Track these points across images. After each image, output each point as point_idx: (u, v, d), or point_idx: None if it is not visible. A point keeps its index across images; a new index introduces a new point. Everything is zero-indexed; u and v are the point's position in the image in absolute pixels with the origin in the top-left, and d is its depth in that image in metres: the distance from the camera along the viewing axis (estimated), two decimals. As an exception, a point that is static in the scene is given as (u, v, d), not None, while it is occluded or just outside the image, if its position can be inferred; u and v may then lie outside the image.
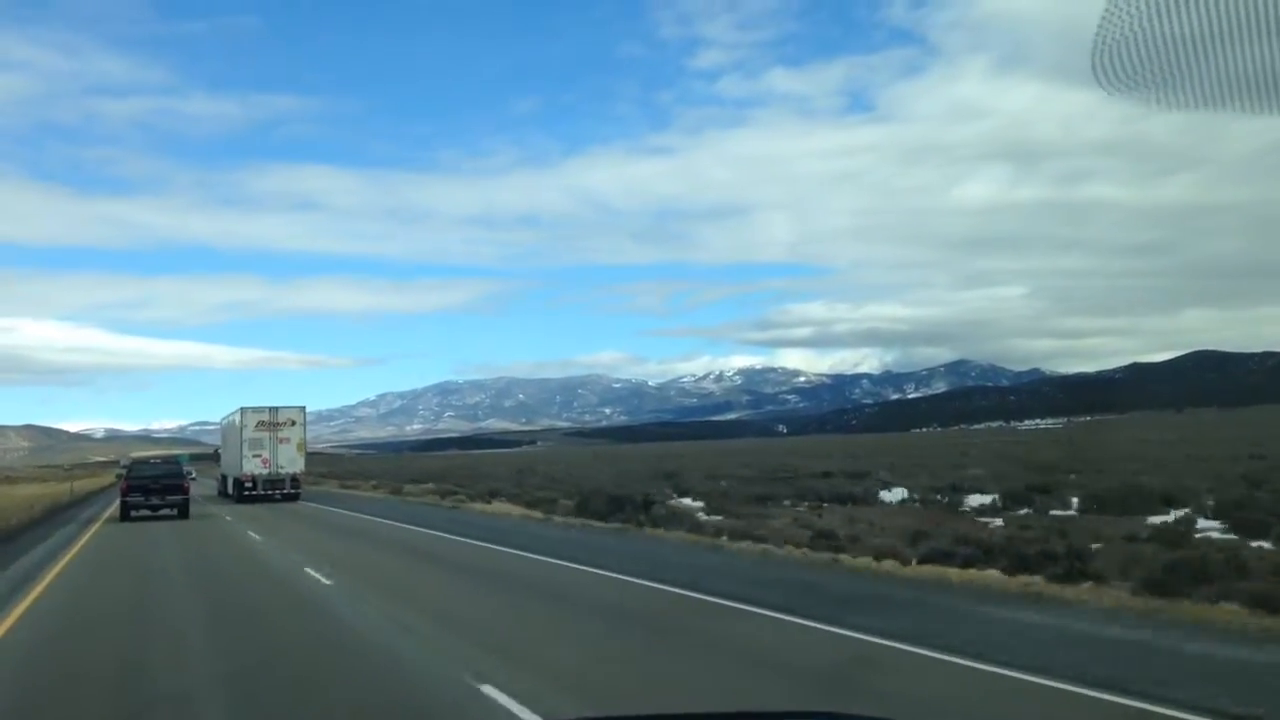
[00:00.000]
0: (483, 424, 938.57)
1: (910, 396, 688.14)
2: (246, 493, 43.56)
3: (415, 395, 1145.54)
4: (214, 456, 68.12)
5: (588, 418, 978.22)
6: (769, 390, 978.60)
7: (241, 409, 45.46)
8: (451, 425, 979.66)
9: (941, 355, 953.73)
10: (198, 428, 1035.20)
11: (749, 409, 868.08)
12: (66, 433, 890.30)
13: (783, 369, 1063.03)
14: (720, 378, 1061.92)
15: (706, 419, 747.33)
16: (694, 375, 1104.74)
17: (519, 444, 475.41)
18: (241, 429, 44.59)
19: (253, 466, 44.06)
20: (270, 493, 44.02)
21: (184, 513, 34.08)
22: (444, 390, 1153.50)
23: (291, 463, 44.98)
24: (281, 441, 44.60)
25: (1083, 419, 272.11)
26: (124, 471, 40.80)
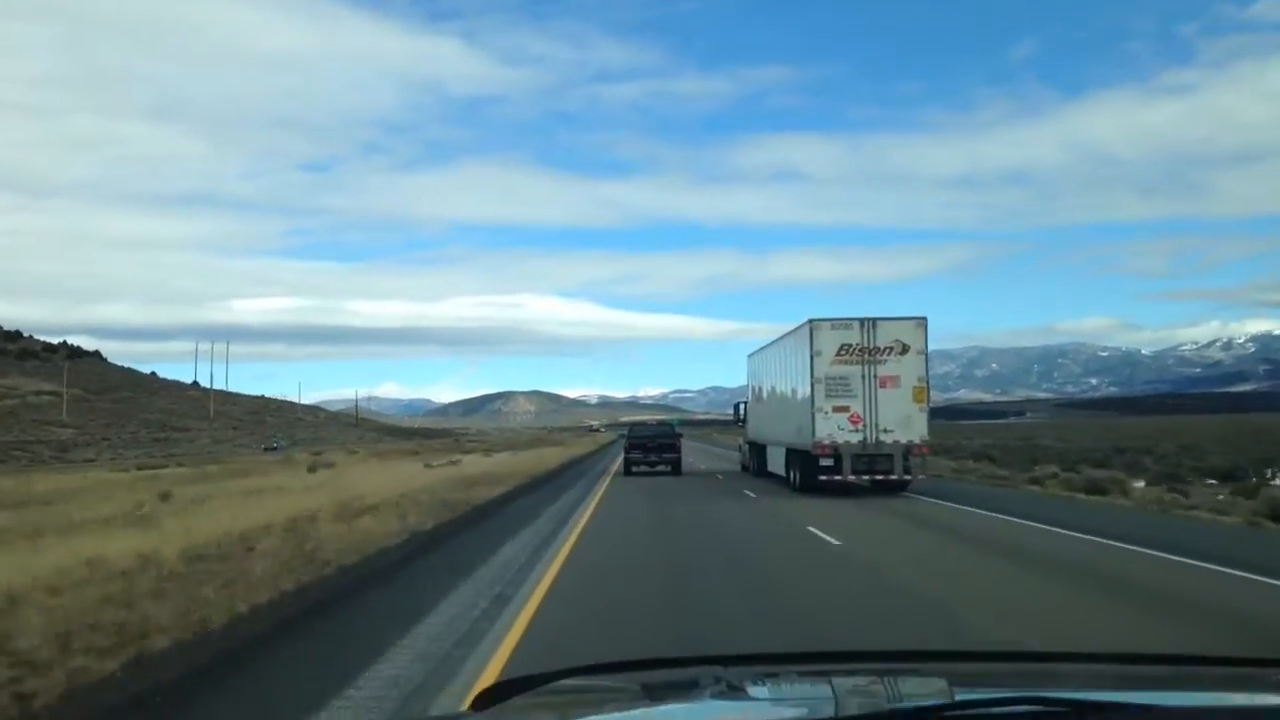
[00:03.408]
0: (953, 394, 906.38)
1: None
2: (823, 475, 25.40)
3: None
4: (734, 420, 42.29)
5: (1070, 388, 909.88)
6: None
7: (810, 321, 25.85)
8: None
9: None
10: (678, 395, 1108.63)
11: (1266, 380, 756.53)
12: (566, 398, 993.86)
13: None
14: (1230, 345, 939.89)
15: (1214, 390, 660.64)
16: (1196, 343, 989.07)
17: (1004, 415, 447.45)
18: (813, 358, 25.43)
19: (832, 428, 25.17)
20: (862, 477, 25.69)
21: (676, 469, 37.37)
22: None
23: (905, 424, 25.17)
24: (884, 384, 25.16)
25: None
26: (623, 433, 47.00)
